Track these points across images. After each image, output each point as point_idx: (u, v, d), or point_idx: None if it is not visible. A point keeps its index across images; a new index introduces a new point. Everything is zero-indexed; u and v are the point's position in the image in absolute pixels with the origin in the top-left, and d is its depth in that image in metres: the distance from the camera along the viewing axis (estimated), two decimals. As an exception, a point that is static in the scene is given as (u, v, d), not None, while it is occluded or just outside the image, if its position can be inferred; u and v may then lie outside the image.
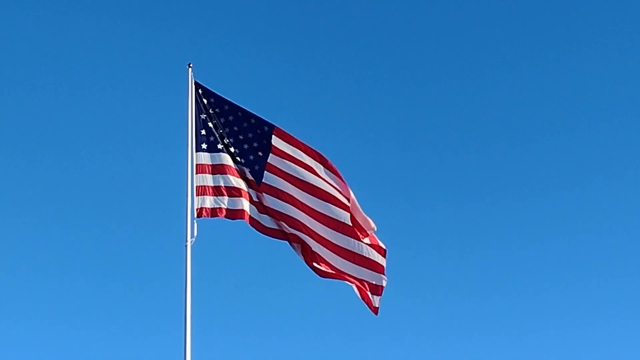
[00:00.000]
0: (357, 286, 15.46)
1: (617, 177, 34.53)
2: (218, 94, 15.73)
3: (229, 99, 15.69)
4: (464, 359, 29.55)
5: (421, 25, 37.43)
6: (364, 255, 15.44)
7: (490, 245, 33.19)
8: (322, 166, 15.44)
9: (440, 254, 32.68)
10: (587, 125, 35.75)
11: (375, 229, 15.55)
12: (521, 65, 36.66)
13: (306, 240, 15.36)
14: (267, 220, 15.51)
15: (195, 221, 14.95)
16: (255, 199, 15.53)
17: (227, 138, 15.64)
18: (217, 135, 15.60)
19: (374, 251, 15.46)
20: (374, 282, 15.43)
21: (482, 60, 36.86)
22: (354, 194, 15.37)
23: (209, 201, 15.26)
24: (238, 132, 15.61)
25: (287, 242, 15.55)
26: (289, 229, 15.43)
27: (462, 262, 32.51)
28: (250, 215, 15.46)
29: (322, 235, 15.39)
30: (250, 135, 15.62)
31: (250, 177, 15.55)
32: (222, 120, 15.65)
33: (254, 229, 15.51)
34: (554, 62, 36.63)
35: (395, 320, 29.48)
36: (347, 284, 15.53)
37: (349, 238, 15.38)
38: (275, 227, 15.51)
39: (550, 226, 33.74)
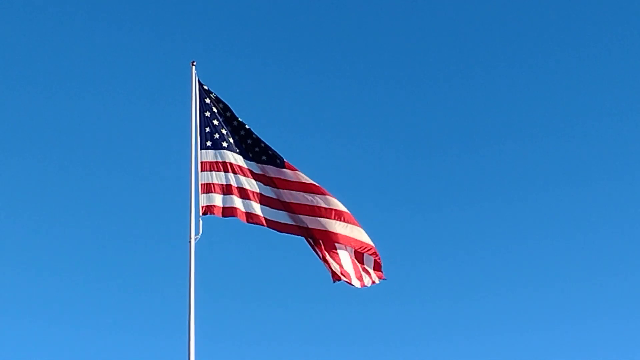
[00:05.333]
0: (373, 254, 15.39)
1: (617, 177, 34.56)
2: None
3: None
4: (463, 359, 29.63)
5: (420, 26, 37.50)
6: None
7: (487, 246, 33.21)
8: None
9: (438, 255, 32.72)
10: (587, 125, 35.79)
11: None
12: (520, 65, 36.73)
13: (314, 223, 15.26)
14: (281, 216, 15.35)
15: (200, 219, 14.91)
16: (267, 194, 15.38)
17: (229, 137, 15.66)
18: (223, 133, 15.57)
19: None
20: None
21: (481, 60, 36.94)
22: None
23: (217, 199, 15.12)
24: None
25: (303, 237, 15.40)
26: (298, 216, 15.29)
27: (461, 263, 32.56)
28: (264, 217, 15.30)
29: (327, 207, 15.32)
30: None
31: (259, 171, 15.46)
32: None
33: (274, 230, 15.32)
34: (553, 62, 36.68)
35: (396, 322, 29.59)
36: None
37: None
38: (291, 222, 15.30)
39: (549, 226, 33.77)
